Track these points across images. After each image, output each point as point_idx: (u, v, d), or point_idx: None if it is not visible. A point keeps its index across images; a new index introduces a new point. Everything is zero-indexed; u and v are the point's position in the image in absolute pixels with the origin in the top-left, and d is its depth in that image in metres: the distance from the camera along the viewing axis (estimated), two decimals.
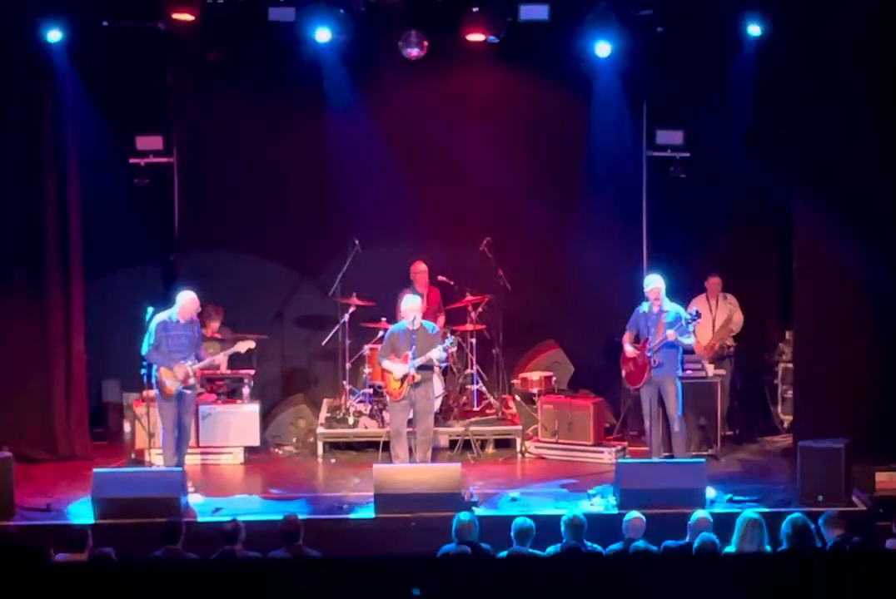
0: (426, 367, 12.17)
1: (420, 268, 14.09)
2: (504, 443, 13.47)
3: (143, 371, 11.98)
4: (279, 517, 9.51)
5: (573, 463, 13.02)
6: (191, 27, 13.12)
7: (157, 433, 12.11)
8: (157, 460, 12.22)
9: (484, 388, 14.00)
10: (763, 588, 5.77)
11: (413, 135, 14.27)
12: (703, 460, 11.77)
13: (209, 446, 13.07)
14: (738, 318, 13.96)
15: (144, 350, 11.88)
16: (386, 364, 12.27)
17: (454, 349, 12.68)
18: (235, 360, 13.73)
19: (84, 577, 5.80)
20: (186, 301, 11.89)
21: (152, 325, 11.87)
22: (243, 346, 12.45)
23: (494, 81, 14.13)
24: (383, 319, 13.73)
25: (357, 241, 13.80)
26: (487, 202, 14.44)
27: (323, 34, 13.16)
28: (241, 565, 6.74)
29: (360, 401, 13.68)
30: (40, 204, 13.07)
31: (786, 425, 14.04)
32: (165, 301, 12.47)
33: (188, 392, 11.94)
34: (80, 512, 11.13)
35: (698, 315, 12.14)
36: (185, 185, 14.42)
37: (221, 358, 12.42)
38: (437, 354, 12.12)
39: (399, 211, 14.33)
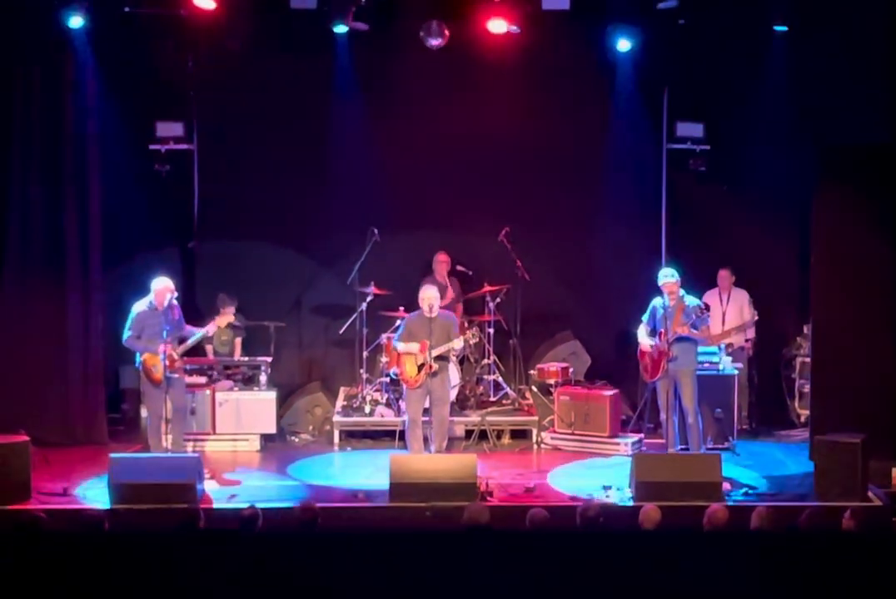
0: (442, 357, 12.19)
1: (442, 258, 14.15)
2: (520, 434, 13.48)
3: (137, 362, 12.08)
4: (295, 504, 9.51)
5: (589, 454, 13.02)
6: (212, 14, 13.14)
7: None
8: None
9: (501, 379, 14.01)
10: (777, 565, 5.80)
11: (433, 125, 14.25)
12: (719, 453, 11.77)
13: (226, 433, 13.11)
14: (747, 315, 13.94)
15: (124, 339, 12.00)
16: (401, 346, 12.29)
17: (475, 341, 12.69)
18: (253, 348, 13.82)
19: (105, 548, 5.85)
20: (160, 287, 11.96)
21: (131, 314, 11.98)
22: (223, 321, 12.56)
23: (515, 72, 14.08)
24: (401, 308, 13.74)
25: (376, 230, 13.82)
26: (506, 192, 14.44)
27: (344, 25, 13.22)
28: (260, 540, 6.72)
29: (377, 390, 13.70)
30: (60, 190, 13.10)
31: (802, 419, 14.03)
32: (184, 288, 12.51)
33: (175, 376, 12.03)
34: (97, 497, 11.16)
35: (707, 307, 12.15)
36: (204, 172, 14.43)
37: (212, 328, 12.40)
38: (457, 345, 12.16)
39: (418, 200, 14.33)
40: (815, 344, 12.86)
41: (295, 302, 14.69)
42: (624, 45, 13.49)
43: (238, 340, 13.89)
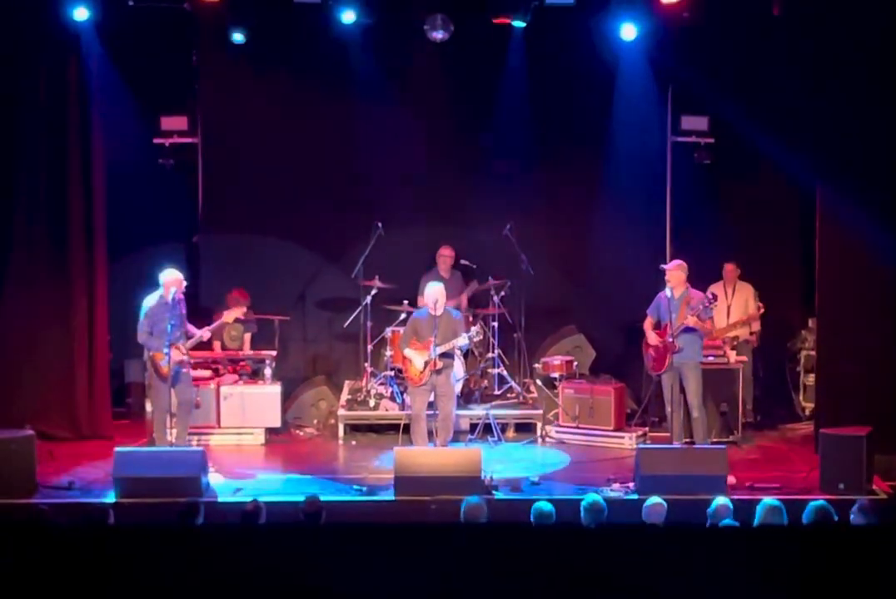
0: (447, 354, 12.18)
1: (446, 252, 14.13)
2: (525, 427, 13.47)
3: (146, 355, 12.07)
4: (300, 498, 9.52)
5: (594, 447, 13.03)
6: (216, 7, 13.14)
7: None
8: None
9: (505, 372, 14.00)
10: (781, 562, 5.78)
11: (437, 119, 14.26)
12: (723, 447, 11.76)
13: (231, 427, 13.11)
14: (752, 309, 13.94)
15: (139, 336, 11.94)
16: (408, 352, 12.28)
17: (479, 339, 12.69)
18: (258, 341, 13.83)
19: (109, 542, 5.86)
20: (169, 279, 11.89)
21: (142, 309, 11.90)
22: (230, 316, 12.45)
23: (520, 65, 14.07)
24: (405, 302, 13.75)
25: (380, 224, 13.81)
26: (511, 186, 14.42)
27: (349, 16, 13.19)
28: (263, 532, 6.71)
29: (382, 384, 13.70)
30: (65, 184, 13.08)
31: (807, 413, 14.03)
32: (188, 282, 12.50)
33: (183, 370, 12.00)
34: (102, 491, 11.16)
35: (714, 298, 12.14)
36: (209, 166, 14.45)
37: (207, 333, 12.24)
38: (461, 342, 12.15)
39: (422, 194, 14.34)
40: (821, 338, 12.86)
41: (299, 295, 14.68)
42: (628, 36, 13.41)
43: (248, 336, 13.89)
